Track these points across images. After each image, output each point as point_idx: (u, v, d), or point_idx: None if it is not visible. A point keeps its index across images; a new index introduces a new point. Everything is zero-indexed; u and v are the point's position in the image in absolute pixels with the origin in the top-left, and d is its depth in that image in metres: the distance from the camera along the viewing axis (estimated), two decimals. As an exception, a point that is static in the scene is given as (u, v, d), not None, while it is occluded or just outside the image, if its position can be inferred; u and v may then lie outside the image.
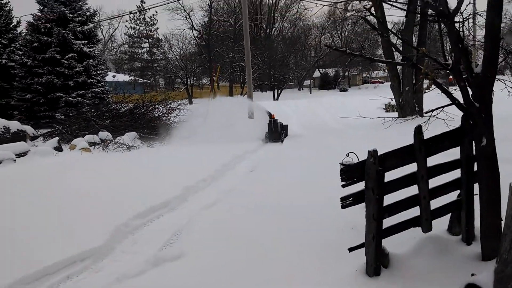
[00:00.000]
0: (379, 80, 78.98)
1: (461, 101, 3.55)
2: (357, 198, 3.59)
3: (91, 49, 24.33)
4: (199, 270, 4.05)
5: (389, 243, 3.83)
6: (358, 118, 5.61)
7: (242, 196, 6.81)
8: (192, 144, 14.12)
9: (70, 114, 17.85)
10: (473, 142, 3.71)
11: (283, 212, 5.66)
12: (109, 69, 56.55)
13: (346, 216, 5.13)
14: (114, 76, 47.77)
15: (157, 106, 18.14)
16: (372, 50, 69.21)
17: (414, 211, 3.85)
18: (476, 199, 3.95)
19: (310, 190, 6.75)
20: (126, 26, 58.35)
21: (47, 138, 16.16)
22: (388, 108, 25.68)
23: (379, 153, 3.48)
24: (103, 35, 68.17)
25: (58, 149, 13.64)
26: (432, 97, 18.61)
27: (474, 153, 3.78)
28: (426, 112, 3.72)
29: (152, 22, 57.56)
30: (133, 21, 57.32)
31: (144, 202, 6.38)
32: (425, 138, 3.69)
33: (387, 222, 3.72)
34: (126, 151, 13.50)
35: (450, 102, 3.52)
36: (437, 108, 3.69)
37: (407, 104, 18.06)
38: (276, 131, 15.33)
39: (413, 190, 3.81)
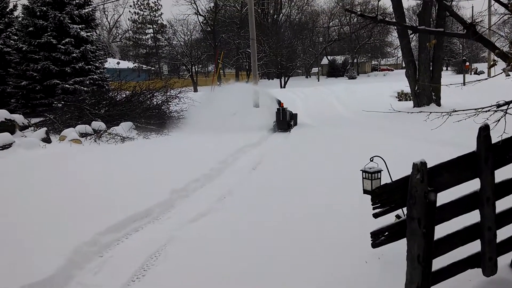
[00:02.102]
0: (388, 67, 77.64)
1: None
2: (395, 233, 2.47)
3: (89, 34, 23.18)
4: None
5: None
6: (392, 111, 4.52)
7: (239, 204, 5.69)
8: (191, 135, 13.12)
9: (62, 102, 16.79)
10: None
11: (288, 232, 4.53)
12: (113, 55, 55.62)
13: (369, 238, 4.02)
14: (118, 63, 46.66)
15: (155, 94, 16.99)
16: (381, 36, 67.67)
17: (470, 247, 2.73)
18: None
19: (323, 198, 5.64)
20: (130, 11, 57.15)
21: (39, 127, 15.15)
22: (401, 96, 24.35)
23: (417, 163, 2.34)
24: (108, 21, 67.04)
25: (46, 140, 12.61)
26: (449, 87, 17.47)
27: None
28: (499, 106, 2.56)
29: (156, 7, 56.25)
30: (137, 6, 56.03)
31: (121, 211, 5.29)
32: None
33: (435, 263, 2.59)
34: (120, 143, 12.47)
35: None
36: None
37: (424, 92, 16.81)
38: (285, 120, 14.40)
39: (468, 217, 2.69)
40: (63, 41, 21.88)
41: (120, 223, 4.98)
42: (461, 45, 64.24)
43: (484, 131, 2.49)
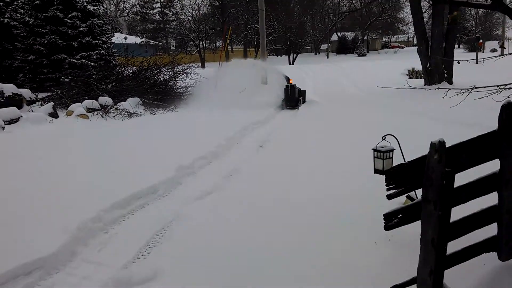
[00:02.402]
0: (399, 44, 76.60)
1: None
2: (409, 215, 2.36)
3: (95, 8, 22.90)
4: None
5: (446, 273, 2.61)
6: (408, 88, 4.31)
7: (246, 183, 5.58)
8: (198, 111, 13.02)
9: (69, 77, 16.67)
10: None
11: (296, 212, 4.40)
12: (121, 30, 55.06)
13: (376, 217, 3.92)
14: (125, 38, 46.25)
15: (162, 70, 16.80)
16: (393, 12, 66.34)
17: (486, 230, 2.62)
18: None
19: (332, 177, 5.51)
20: (137, -15, 56.31)
21: (46, 102, 15.10)
22: (411, 74, 23.92)
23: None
24: (115, -5, 66.16)
25: (53, 115, 12.58)
26: (461, 66, 17.17)
27: None
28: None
29: (164, -19, 55.33)
30: (144, -21, 55.22)
31: (127, 187, 5.23)
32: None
33: (449, 246, 2.49)
34: (127, 119, 12.40)
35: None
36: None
37: (436, 70, 16.44)
38: (293, 97, 14.24)
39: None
40: (70, 15, 21.65)
41: (125, 199, 4.92)
42: (474, 22, 62.87)
43: (507, 109, 2.35)
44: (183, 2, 53.78)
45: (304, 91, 15.59)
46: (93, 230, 4.16)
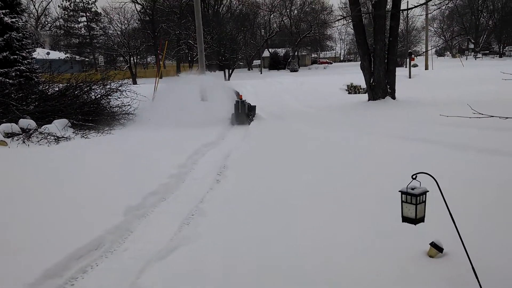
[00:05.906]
0: (327, 60, 79.37)
1: None
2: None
3: (14, 20, 20.65)
4: None
5: None
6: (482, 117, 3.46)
7: (215, 230, 4.43)
8: (137, 132, 11.83)
9: (-18, 96, 14.61)
10: None
11: (294, 270, 3.38)
12: (42, 45, 51.45)
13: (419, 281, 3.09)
14: (48, 53, 43.10)
15: (93, 87, 15.23)
16: (320, 29, 68.56)
17: None
18: None
19: (325, 217, 4.58)
20: (60, -3, 53.13)
21: (-45, 127, 12.99)
22: (350, 89, 24.04)
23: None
24: (35, 8, 62.16)
25: (-37, 142, 10.68)
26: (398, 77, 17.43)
27: None
28: None
29: (89, -6, 52.62)
30: (68, -9, 52.16)
31: (62, 243, 3.98)
32: None
33: None
34: (54, 144, 10.80)
35: None
36: None
37: (379, 85, 16.36)
38: (243, 113, 13.38)
39: None
40: (-16, 28, 19.36)
41: (60, 263, 3.65)
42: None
43: None
44: (111, 16, 51.55)
45: (254, 106, 14.77)
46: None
